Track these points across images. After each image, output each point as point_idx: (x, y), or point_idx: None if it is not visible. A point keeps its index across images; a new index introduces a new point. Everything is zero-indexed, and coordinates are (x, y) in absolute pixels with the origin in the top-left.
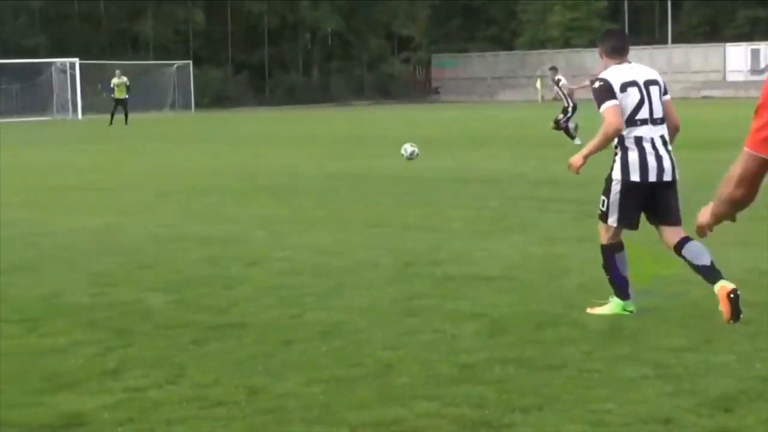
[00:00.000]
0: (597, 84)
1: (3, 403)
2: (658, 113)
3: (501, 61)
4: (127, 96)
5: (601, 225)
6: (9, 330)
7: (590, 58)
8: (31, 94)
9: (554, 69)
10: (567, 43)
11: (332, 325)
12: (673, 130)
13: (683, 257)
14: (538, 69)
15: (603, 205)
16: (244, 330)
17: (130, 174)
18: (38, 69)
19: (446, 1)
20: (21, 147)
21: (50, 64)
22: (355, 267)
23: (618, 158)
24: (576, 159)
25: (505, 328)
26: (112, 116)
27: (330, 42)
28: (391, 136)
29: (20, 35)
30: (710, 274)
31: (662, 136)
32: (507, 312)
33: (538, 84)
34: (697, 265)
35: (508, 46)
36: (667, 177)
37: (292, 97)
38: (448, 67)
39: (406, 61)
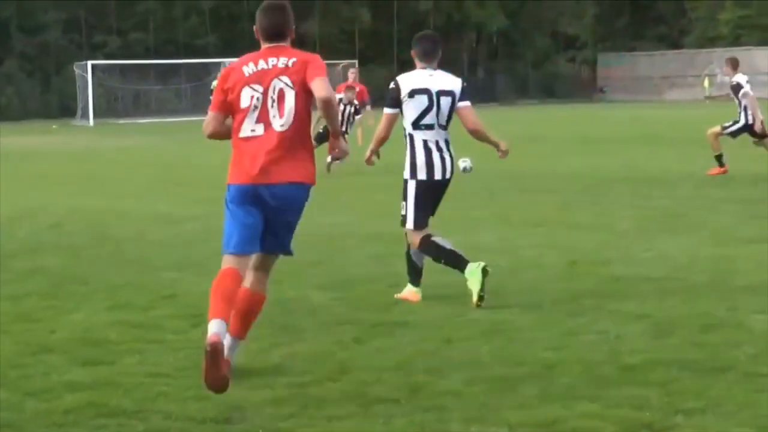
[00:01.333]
0: (390, 86)
1: (171, 395)
2: (443, 120)
3: (669, 59)
4: None
5: (408, 231)
6: (176, 325)
7: (760, 56)
8: (203, 94)
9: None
10: (737, 41)
11: (495, 324)
12: (472, 134)
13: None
14: (707, 68)
15: (403, 210)
16: (407, 328)
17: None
18: (208, 68)
19: (613, 0)
20: (192, 145)
21: (219, 63)
22: (520, 266)
23: (407, 160)
24: (366, 154)
25: (670, 330)
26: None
27: (495, 41)
28: (556, 135)
29: (191, 35)
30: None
31: (446, 140)
32: (672, 313)
33: (706, 83)
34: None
35: (676, 45)
36: (448, 176)
37: None
38: (614, 65)
39: (572, 60)
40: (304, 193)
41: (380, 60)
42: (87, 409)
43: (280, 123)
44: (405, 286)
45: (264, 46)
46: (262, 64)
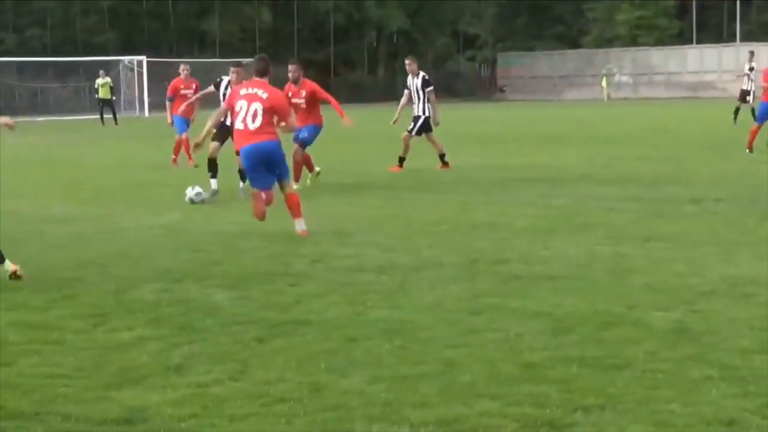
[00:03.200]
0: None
1: (70, 397)
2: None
3: (567, 59)
4: (113, 97)
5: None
6: (77, 325)
7: (657, 56)
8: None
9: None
10: (634, 42)
11: (396, 323)
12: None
13: None
14: (605, 67)
15: None
16: (308, 327)
17: (196, 171)
18: (107, 66)
19: (512, 0)
20: (88, 144)
21: (119, 61)
22: (420, 265)
23: None
24: None
25: (569, 328)
26: (102, 117)
27: (396, 40)
28: (456, 133)
29: (90, 33)
30: None
31: None
32: (571, 311)
33: (604, 82)
34: None
35: (575, 45)
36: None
37: (358, 94)
38: (514, 65)
39: (472, 59)
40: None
41: (281, 58)
42: None
43: (252, 125)
44: (301, 284)
45: (254, 78)
46: (250, 90)
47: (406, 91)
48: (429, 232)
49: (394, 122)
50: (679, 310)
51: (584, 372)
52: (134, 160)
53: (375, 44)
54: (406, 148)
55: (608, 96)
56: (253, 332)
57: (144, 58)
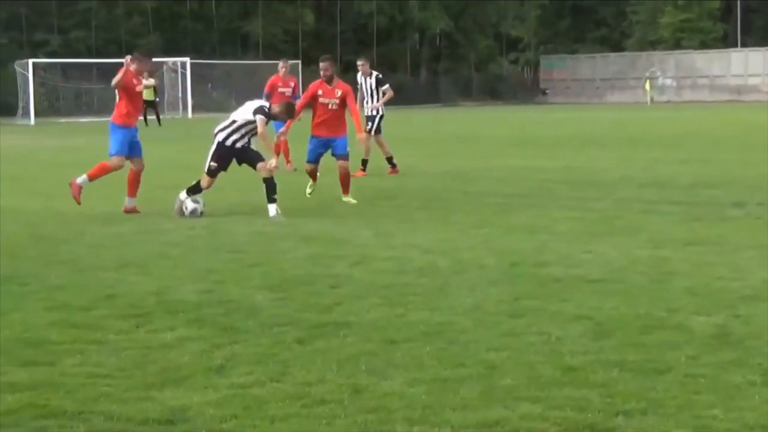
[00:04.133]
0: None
1: (112, 396)
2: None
3: (610, 62)
4: (156, 98)
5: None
6: (118, 325)
7: (701, 59)
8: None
9: None
10: (677, 45)
11: (436, 325)
12: None
13: None
14: (648, 70)
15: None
16: (349, 329)
17: (239, 172)
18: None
19: (556, 2)
20: None
21: (162, 63)
22: (461, 267)
23: None
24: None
25: (610, 331)
26: (145, 118)
27: (438, 42)
28: (498, 136)
29: (134, 34)
30: None
31: None
32: (612, 315)
33: (647, 85)
34: None
35: (618, 47)
36: None
37: (400, 97)
38: (556, 68)
39: (515, 62)
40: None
41: None
42: (27, 409)
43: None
44: (342, 286)
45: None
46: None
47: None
48: (469, 234)
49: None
50: (720, 315)
51: (625, 376)
52: (176, 161)
53: (417, 46)
54: (368, 150)
55: (651, 99)
56: (294, 333)
57: (187, 60)
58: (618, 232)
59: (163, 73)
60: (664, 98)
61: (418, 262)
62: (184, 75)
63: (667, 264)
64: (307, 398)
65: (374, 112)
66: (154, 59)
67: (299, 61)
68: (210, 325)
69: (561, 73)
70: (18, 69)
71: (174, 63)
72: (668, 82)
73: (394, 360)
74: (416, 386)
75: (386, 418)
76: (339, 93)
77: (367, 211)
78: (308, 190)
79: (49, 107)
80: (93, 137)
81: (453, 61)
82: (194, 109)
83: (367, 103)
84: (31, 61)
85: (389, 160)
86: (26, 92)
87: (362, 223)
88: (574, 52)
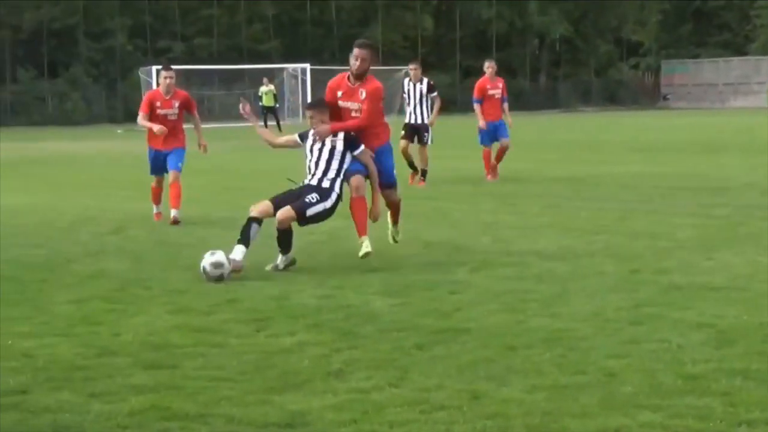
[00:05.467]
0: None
1: (233, 400)
2: None
3: (733, 66)
4: (277, 104)
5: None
6: (239, 329)
7: None
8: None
9: None
10: None
11: (556, 331)
12: None
13: None
14: None
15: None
16: (468, 335)
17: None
18: (272, 73)
19: (678, 7)
20: (251, 151)
21: (282, 69)
22: (580, 274)
23: None
24: None
25: (733, 340)
26: (266, 124)
27: (558, 47)
28: (618, 142)
29: (254, 41)
30: None
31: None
32: (734, 323)
33: None
34: None
35: (741, 51)
36: None
37: (519, 102)
38: (678, 72)
39: (635, 66)
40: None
41: (443, 66)
42: (150, 411)
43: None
44: (462, 292)
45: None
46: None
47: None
48: (588, 240)
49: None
50: None
51: (749, 385)
52: (296, 167)
53: (537, 52)
54: (425, 160)
55: None
56: (413, 339)
57: (308, 66)
58: (741, 240)
59: (283, 79)
60: None
61: (537, 269)
62: (304, 81)
63: None
64: (426, 404)
65: (425, 120)
66: (272, 66)
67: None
68: (329, 329)
69: (682, 78)
70: (142, 75)
71: (294, 69)
72: None
73: (514, 366)
74: (535, 393)
75: (505, 425)
76: (364, 94)
77: (485, 218)
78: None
79: None
80: (215, 143)
81: (573, 66)
82: None
83: (414, 110)
84: (154, 67)
85: (423, 171)
86: None
87: (481, 230)
88: (696, 56)
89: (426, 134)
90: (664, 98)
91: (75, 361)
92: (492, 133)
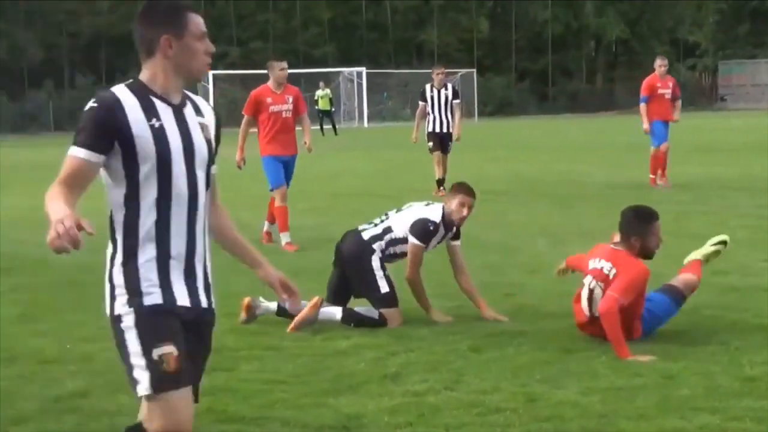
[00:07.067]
0: None
1: (289, 402)
2: None
3: None
4: (333, 108)
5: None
6: (295, 333)
7: None
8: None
9: None
10: None
11: None
12: None
13: None
14: None
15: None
16: (523, 338)
17: (411, 180)
18: (328, 78)
19: (734, 7)
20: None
21: (338, 73)
22: None
23: None
24: None
25: None
26: (322, 128)
27: (614, 49)
28: (674, 143)
29: (310, 45)
30: None
31: None
32: None
33: None
34: None
35: None
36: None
37: (575, 104)
38: (735, 73)
39: (692, 67)
40: None
41: (498, 68)
42: (206, 414)
43: None
44: (517, 294)
45: None
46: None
47: (422, 104)
48: None
49: (416, 140)
50: None
51: None
52: (352, 170)
53: (593, 53)
54: (446, 169)
55: None
56: (468, 342)
57: (363, 69)
58: None
59: (339, 82)
60: None
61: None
62: (360, 84)
63: None
64: (482, 406)
65: (449, 129)
66: (328, 69)
67: (474, 70)
68: (385, 333)
69: (740, 79)
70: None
71: (350, 73)
72: None
73: (569, 369)
74: (591, 395)
75: (561, 427)
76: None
77: (542, 220)
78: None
79: (228, 117)
80: None
81: (629, 67)
82: (370, 118)
83: (439, 117)
84: (211, 72)
85: (442, 180)
86: None
87: (537, 231)
88: (753, 56)
89: (450, 143)
90: (722, 99)
91: None
92: (663, 133)
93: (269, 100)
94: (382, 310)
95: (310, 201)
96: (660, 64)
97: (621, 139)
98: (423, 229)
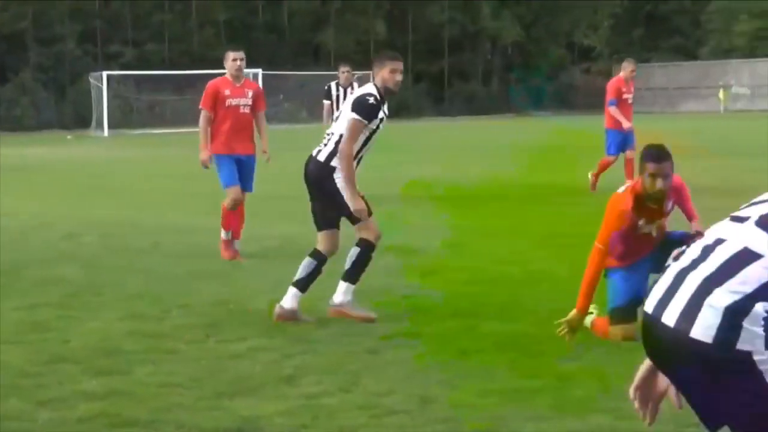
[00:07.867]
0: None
1: (184, 406)
2: None
3: (683, 70)
4: None
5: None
6: (191, 335)
7: None
8: None
9: None
10: (752, 53)
11: (509, 336)
12: None
13: None
14: (721, 79)
15: None
16: (420, 339)
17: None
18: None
19: (629, 10)
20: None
21: None
22: (532, 278)
23: None
24: None
25: None
26: None
27: (510, 52)
28: (572, 146)
29: (207, 46)
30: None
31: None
32: None
33: (721, 95)
34: None
35: (691, 56)
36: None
37: (472, 106)
38: None
39: (587, 71)
40: None
41: None
42: (100, 418)
43: None
44: (415, 296)
45: None
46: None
47: (327, 103)
48: (541, 244)
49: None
50: None
51: None
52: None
53: (489, 56)
54: None
55: (724, 108)
56: (366, 344)
57: (260, 71)
58: None
59: None
60: (739, 106)
61: (490, 273)
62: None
63: None
64: (377, 408)
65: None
66: (224, 71)
67: (371, 72)
68: (281, 335)
69: (634, 82)
70: (92, 81)
71: (246, 74)
72: (742, 90)
73: (465, 371)
74: (487, 397)
75: (456, 429)
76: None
77: (438, 221)
78: None
79: (122, 119)
80: (166, 149)
81: (525, 70)
82: (267, 120)
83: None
84: (105, 73)
85: None
86: (100, 104)
87: (434, 233)
88: (647, 60)
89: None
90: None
91: (24, 368)
92: (623, 142)
93: (227, 92)
94: (358, 225)
95: (210, 203)
96: (631, 69)
97: (519, 140)
98: (363, 103)
